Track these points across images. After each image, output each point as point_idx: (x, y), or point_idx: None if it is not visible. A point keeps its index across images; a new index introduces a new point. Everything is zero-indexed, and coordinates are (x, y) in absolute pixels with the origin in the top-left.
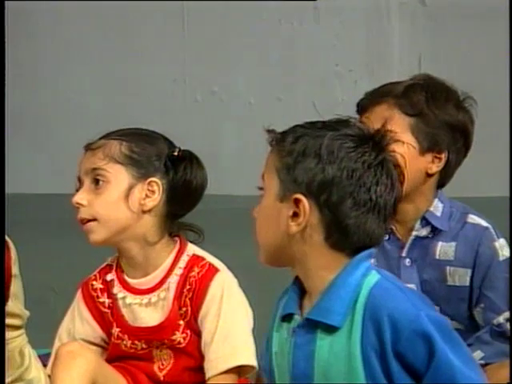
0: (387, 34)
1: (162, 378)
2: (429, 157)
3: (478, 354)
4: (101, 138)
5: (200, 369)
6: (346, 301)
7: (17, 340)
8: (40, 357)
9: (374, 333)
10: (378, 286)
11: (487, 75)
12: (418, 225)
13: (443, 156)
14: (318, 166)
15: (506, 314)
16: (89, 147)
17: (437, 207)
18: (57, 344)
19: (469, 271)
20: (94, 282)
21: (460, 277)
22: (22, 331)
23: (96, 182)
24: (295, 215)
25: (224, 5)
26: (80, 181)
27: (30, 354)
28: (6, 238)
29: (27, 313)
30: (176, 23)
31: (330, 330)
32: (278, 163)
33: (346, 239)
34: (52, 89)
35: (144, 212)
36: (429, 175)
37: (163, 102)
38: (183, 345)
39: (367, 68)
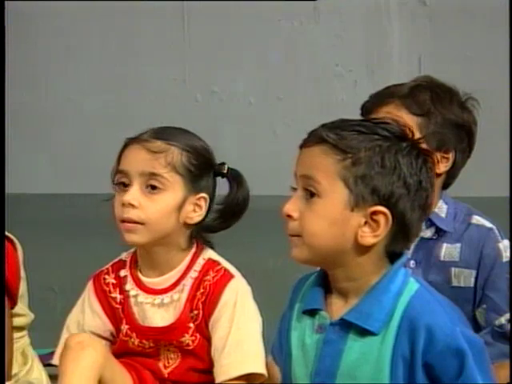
0: (387, 33)
1: (166, 376)
2: (437, 156)
3: None
4: (155, 137)
5: (206, 371)
6: (386, 307)
7: (20, 341)
8: (40, 357)
9: (408, 341)
10: (417, 295)
11: (487, 75)
12: (422, 226)
13: (450, 156)
14: (399, 179)
15: (508, 315)
16: (145, 146)
17: (441, 208)
18: (65, 335)
19: (474, 272)
20: (107, 276)
21: (465, 278)
22: (25, 332)
23: (152, 186)
24: (365, 224)
25: (224, 5)
26: (122, 172)
27: (32, 354)
28: (14, 239)
29: (32, 315)
30: (176, 23)
31: (365, 333)
32: (346, 171)
33: (403, 247)
34: (52, 89)
35: (187, 225)
36: (436, 175)
37: (163, 102)
38: (191, 347)
39: (367, 68)
